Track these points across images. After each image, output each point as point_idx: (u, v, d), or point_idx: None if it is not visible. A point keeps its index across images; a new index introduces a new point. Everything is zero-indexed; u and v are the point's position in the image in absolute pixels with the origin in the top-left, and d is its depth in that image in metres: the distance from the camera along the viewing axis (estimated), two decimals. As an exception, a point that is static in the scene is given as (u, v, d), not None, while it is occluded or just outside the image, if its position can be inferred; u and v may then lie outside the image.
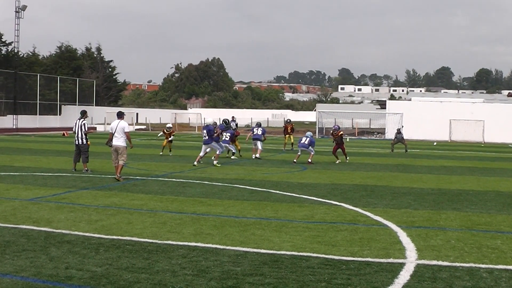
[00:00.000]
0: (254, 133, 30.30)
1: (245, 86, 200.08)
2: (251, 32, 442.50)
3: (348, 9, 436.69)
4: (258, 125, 31.41)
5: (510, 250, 9.83)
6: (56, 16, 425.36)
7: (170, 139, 31.61)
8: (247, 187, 17.78)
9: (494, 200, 16.27)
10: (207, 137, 25.01)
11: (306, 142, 26.68)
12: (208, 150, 25.61)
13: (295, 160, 26.65)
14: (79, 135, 21.48)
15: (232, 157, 28.97)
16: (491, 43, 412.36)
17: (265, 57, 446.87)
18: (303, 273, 8.06)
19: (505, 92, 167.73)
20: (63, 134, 55.36)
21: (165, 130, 31.87)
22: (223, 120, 31.13)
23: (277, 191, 16.89)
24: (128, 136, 19.13)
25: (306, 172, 23.09)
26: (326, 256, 9.02)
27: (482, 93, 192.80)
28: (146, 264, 8.37)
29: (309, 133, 27.77)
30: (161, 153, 31.04)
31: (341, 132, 28.93)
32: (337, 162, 27.44)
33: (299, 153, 27.09)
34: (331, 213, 13.25)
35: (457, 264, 8.75)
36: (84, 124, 21.59)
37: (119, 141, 18.89)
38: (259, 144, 29.59)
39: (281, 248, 9.53)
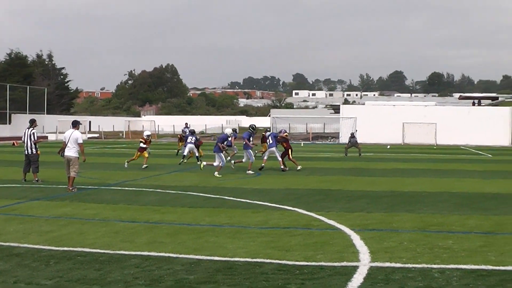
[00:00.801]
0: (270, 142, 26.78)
1: (199, 92, 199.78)
2: (205, 37, 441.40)
3: (301, 14, 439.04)
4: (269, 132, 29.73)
5: (462, 249, 9.94)
6: (7, 21, 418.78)
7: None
8: (201, 194, 17.70)
9: (447, 201, 16.46)
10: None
11: (273, 142, 26.23)
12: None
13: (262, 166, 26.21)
14: (29, 145, 21.11)
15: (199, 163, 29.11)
16: (443, 47, 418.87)
17: (219, 63, 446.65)
18: (257, 279, 8.02)
19: (457, 95, 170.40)
20: (13, 144, 54.35)
21: (144, 138, 29.82)
22: (250, 126, 27.58)
23: (232, 198, 16.84)
24: (82, 148, 18.56)
25: (261, 178, 23.08)
26: (280, 262, 8.99)
27: (435, 96, 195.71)
28: (98, 275, 8.24)
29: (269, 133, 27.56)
30: (145, 165, 28.01)
31: (286, 134, 28.44)
32: (287, 169, 26.03)
33: (265, 158, 26.67)
34: (285, 218, 13.24)
35: (410, 265, 8.80)
36: (33, 133, 21.21)
37: (71, 151, 18.50)
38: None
39: (235, 254, 9.48)
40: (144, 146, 28.51)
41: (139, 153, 28.41)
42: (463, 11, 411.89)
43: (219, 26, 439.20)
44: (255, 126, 28.05)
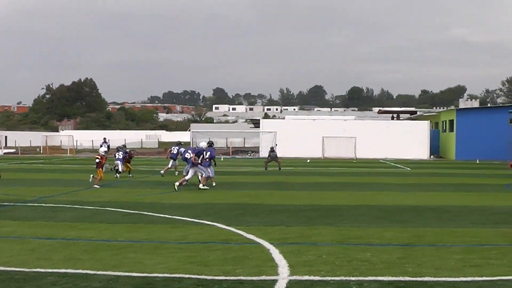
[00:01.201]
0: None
1: (118, 106, 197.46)
2: (124, 51, 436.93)
3: (222, 28, 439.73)
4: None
5: (380, 261, 10.11)
6: None
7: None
8: (120, 209, 17.44)
9: (365, 214, 16.74)
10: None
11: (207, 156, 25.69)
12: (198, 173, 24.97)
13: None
14: None
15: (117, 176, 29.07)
16: (363, 62, 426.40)
17: (138, 77, 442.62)
18: (176, 295, 7.95)
19: (376, 109, 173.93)
20: None
21: (101, 155, 28.94)
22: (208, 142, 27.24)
23: (151, 213, 16.68)
24: None
25: (180, 193, 22.91)
26: (199, 277, 8.96)
27: (354, 110, 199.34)
28: (12, 293, 8.03)
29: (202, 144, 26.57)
30: (130, 175, 31.11)
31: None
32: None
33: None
34: (204, 233, 13.20)
35: (329, 278, 8.89)
36: None
37: None
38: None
39: (153, 270, 9.38)
40: (99, 161, 26.60)
41: (100, 169, 26.42)
42: (381, 28, 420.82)
43: (137, 41, 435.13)
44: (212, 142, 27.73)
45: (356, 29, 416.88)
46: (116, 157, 30.94)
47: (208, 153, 25.67)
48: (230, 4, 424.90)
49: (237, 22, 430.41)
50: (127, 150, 32.57)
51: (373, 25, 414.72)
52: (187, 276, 9.01)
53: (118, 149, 31.94)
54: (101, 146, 30.67)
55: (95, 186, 24.90)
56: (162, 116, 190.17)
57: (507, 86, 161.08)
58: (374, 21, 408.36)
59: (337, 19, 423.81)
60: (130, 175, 31.19)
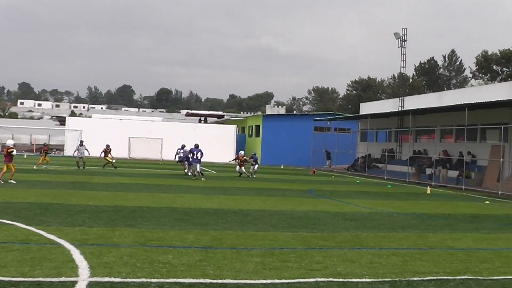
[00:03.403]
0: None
1: None
2: None
3: (29, 21, 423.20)
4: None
5: (181, 263, 10.25)
6: None
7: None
8: None
9: (168, 216, 16.86)
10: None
11: None
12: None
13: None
14: None
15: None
16: (172, 65, 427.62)
17: None
18: (-32, 297, 7.65)
19: (184, 111, 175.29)
20: None
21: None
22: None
23: None
24: None
25: (-22, 190, 21.94)
26: (-5, 278, 8.64)
27: (162, 112, 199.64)
28: None
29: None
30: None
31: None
32: None
33: None
34: (2, 232, 12.71)
35: (129, 280, 8.91)
36: None
37: None
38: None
39: None
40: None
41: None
42: (190, 32, 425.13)
43: None
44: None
45: (164, 33, 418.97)
46: None
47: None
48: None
49: (50, 17, 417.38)
50: None
51: (177, 30, 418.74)
52: (-21, 278, 8.68)
53: None
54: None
55: None
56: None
57: (313, 94, 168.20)
58: (178, 26, 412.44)
59: (142, 22, 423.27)
60: None
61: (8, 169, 26.32)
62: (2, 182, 25.31)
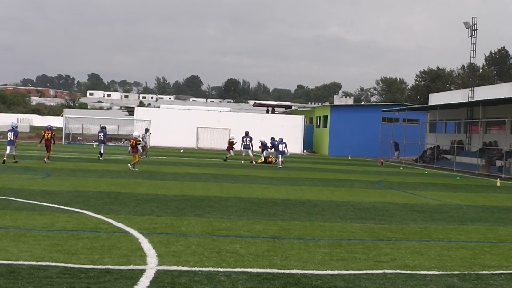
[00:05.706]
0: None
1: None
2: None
3: (99, 15, 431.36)
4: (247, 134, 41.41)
5: (248, 253, 10.23)
6: None
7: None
8: (-16, 194, 16.84)
9: (235, 206, 16.87)
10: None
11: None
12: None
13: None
14: None
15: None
16: (240, 55, 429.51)
17: (11, 59, 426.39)
18: (40, 283, 7.76)
19: (252, 101, 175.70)
20: None
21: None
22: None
23: (18, 199, 16.19)
24: None
25: (50, 179, 22.39)
26: (66, 265, 8.76)
27: (230, 102, 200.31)
28: None
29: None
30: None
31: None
32: None
33: None
34: (72, 221, 12.93)
35: (197, 269, 8.91)
36: None
37: None
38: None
39: (18, 258, 9.10)
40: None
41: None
42: (258, 22, 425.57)
43: (13, 24, 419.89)
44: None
45: (232, 23, 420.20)
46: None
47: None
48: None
49: (115, 9, 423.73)
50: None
51: (248, 20, 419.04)
52: (53, 264, 8.79)
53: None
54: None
55: None
56: (35, 100, 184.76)
57: (381, 85, 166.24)
58: (249, 16, 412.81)
59: (210, 11, 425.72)
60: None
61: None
62: (136, 170, 28.49)
